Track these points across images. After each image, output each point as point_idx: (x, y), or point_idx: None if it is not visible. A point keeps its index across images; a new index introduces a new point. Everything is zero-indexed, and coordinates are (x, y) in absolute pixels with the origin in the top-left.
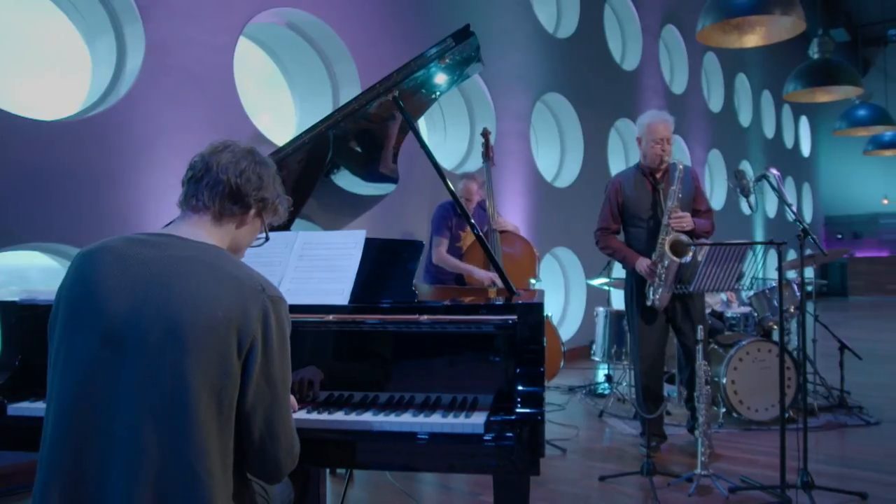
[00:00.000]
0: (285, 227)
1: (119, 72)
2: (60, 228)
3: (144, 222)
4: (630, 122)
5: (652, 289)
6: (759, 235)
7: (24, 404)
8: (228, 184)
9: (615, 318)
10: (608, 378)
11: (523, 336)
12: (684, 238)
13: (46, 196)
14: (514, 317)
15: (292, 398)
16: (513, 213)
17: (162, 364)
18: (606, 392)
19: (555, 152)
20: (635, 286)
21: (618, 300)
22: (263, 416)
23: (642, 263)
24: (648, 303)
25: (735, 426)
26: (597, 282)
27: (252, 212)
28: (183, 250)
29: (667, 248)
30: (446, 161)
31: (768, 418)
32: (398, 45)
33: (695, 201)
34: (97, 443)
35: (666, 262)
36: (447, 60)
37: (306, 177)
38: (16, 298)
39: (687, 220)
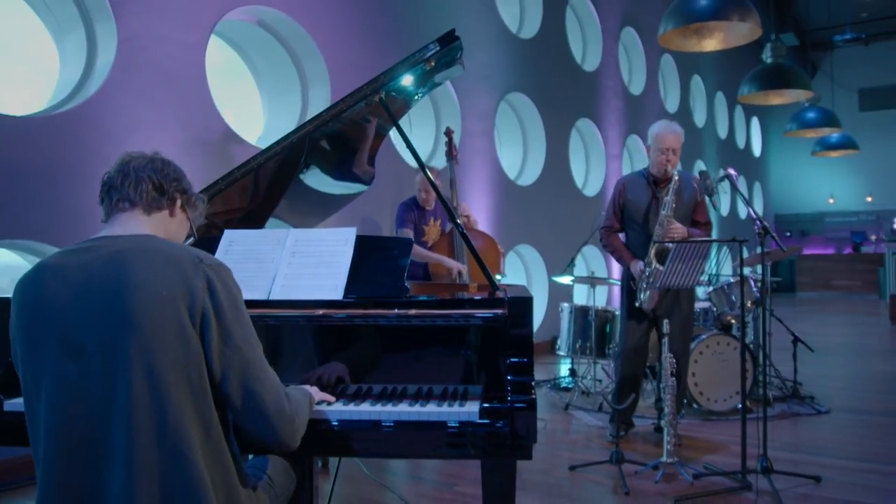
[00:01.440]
0: (259, 226)
1: (89, 68)
2: (34, 225)
3: None
4: (590, 122)
5: (640, 291)
6: (713, 233)
7: (20, 400)
8: (151, 180)
9: (579, 314)
10: (572, 372)
11: (513, 328)
12: (669, 245)
13: (19, 192)
14: (504, 310)
15: (325, 395)
16: (477, 212)
17: (123, 356)
18: (571, 386)
19: (517, 151)
20: (627, 284)
21: (579, 296)
22: (239, 382)
23: (635, 266)
24: (637, 304)
25: (696, 416)
26: (561, 279)
27: (178, 203)
28: (118, 245)
29: (652, 256)
30: (410, 157)
31: (727, 408)
32: (368, 43)
33: (695, 212)
34: (87, 451)
35: (653, 268)
36: (432, 63)
37: (281, 177)
38: (8, 295)
39: (680, 232)
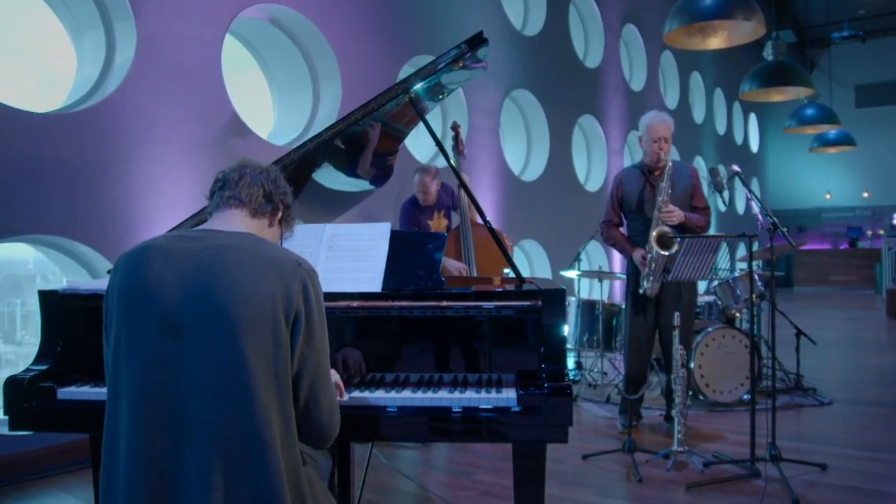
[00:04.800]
0: None
1: (108, 66)
2: (53, 221)
3: (137, 215)
4: (592, 119)
5: (644, 278)
6: (712, 229)
7: (71, 388)
8: (263, 187)
9: (586, 308)
10: (579, 365)
11: (548, 319)
12: (668, 230)
13: (39, 188)
14: (539, 301)
15: (340, 382)
16: (483, 207)
17: (219, 343)
18: (577, 378)
19: (521, 147)
20: (632, 275)
21: (582, 291)
22: (309, 382)
23: (637, 254)
24: (641, 291)
25: (702, 408)
26: (568, 273)
27: (279, 214)
28: (223, 239)
29: (653, 240)
30: (419, 155)
31: (732, 400)
32: (379, 41)
33: (693, 198)
34: (171, 425)
35: (654, 254)
36: (460, 64)
37: (300, 175)
38: (57, 288)
39: (676, 214)
